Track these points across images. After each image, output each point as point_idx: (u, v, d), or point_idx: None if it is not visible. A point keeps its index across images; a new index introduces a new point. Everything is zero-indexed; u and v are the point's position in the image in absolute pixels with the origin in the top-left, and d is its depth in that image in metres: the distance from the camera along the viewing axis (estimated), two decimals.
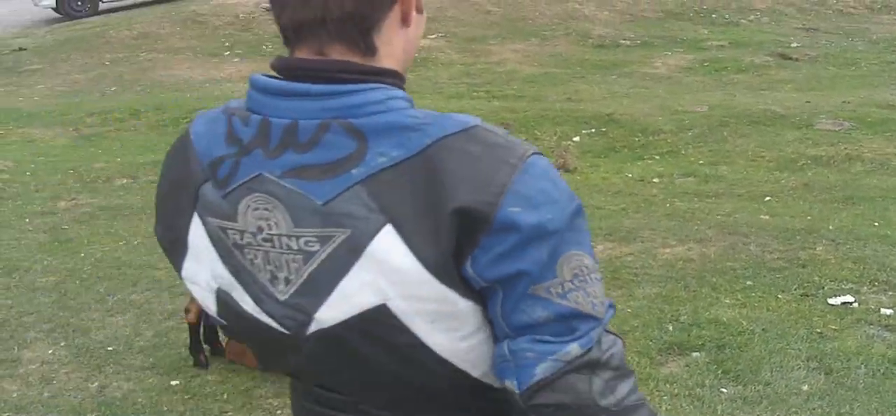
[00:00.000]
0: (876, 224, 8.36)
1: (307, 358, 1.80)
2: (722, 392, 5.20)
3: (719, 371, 5.54)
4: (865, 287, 6.79)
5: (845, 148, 11.23)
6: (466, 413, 1.87)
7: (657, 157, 11.95)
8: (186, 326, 6.04)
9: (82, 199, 10.38)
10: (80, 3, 26.29)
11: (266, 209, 1.72)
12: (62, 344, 6.41)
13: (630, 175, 11.24)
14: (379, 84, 1.72)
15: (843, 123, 12.55)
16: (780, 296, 6.58)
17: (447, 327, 1.72)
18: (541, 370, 1.67)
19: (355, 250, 1.66)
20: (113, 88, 17.69)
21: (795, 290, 6.63)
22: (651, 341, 5.94)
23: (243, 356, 5.93)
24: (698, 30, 20.11)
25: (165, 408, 5.51)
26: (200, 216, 1.79)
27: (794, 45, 18.57)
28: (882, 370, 5.54)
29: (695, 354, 5.69)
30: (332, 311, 1.71)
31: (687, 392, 5.31)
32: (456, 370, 1.76)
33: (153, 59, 19.57)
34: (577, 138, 12.85)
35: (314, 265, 1.70)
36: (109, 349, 6.32)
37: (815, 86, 15.86)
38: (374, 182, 1.64)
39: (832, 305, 6.45)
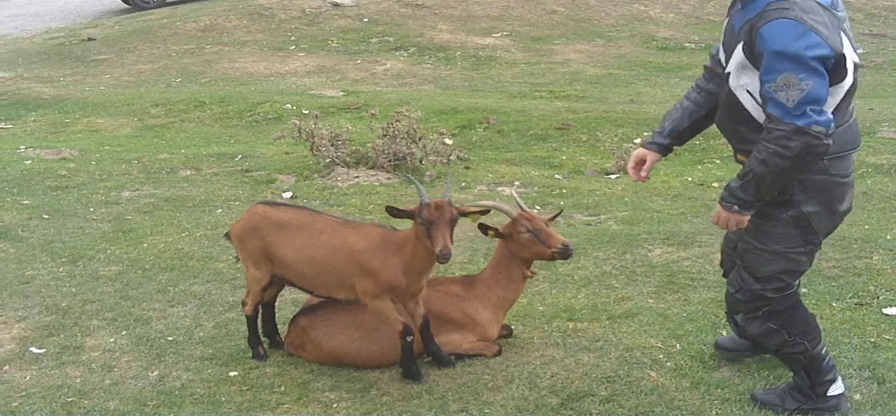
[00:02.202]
0: None
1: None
2: None
3: (771, 377, 5.54)
4: None
5: None
6: None
7: (718, 161, 11.91)
8: (245, 318, 6.15)
9: (146, 189, 10.54)
10: None
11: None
12: (124, 333, 6.54)
13: (690, 179, 11.21)
14: None
15: None
16: (834, 304, 6.55)
17: None
18: None
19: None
20: (178, 80, 17.90)
21: (850, 298, 6.61)
22: (705, 345, 5.95)
23: (301, 350, 6.02)
24: None
25: (223, 399, 5.59)
26: (845, 32, 4.56)
27: (860, 51, 18.35)
28: None
29: (747, 359, 5.70)
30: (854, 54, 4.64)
31: (737, 397, 5.32)
32: None
33: (218, 52, 19.76)
34: (637, 140, 12.84)
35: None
36: (170, 338, 6.44)
37: (879, 93, 15.73)
38: None
39: (887, 315, 6.40)
